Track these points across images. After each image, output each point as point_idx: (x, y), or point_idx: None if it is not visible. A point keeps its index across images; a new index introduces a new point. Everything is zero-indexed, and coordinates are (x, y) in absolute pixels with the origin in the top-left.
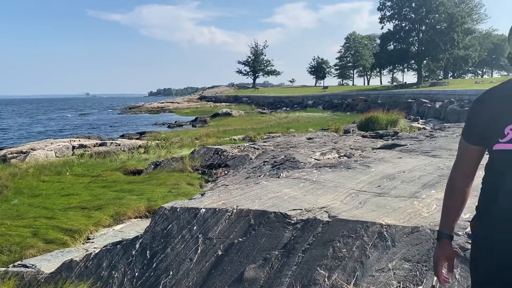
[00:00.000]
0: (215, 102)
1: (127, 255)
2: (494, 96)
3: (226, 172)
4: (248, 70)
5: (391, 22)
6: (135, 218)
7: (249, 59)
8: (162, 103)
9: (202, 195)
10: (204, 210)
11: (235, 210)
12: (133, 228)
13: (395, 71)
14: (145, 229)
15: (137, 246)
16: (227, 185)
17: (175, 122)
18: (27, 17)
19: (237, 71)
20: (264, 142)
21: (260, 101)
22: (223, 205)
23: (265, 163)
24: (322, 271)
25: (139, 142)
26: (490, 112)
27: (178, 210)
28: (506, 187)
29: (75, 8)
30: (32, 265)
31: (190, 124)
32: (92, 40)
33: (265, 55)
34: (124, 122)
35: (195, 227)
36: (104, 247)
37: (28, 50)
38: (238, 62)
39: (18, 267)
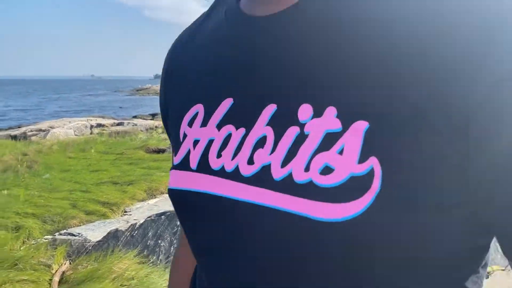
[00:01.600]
0: None
1: (172, 225)
2: (189, 43)
3: None
4: None
5: None
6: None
7: None
8: None
9: None
10: None
11: None
12: (167, 202)
13: None
14: None
15: None
16: None
17: None
18: None
19: None
20: None
21: None
22: None
23: None
24: None
25: (156, 123)
26: (174, 83)
27: None
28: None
29: None
30: (78, 233)
31: None
32: (95, 21)
33: None
34: (132, 103)
35: None
36: (148, 217)
37: (30, 30)
38: None
39: (64, 235)
